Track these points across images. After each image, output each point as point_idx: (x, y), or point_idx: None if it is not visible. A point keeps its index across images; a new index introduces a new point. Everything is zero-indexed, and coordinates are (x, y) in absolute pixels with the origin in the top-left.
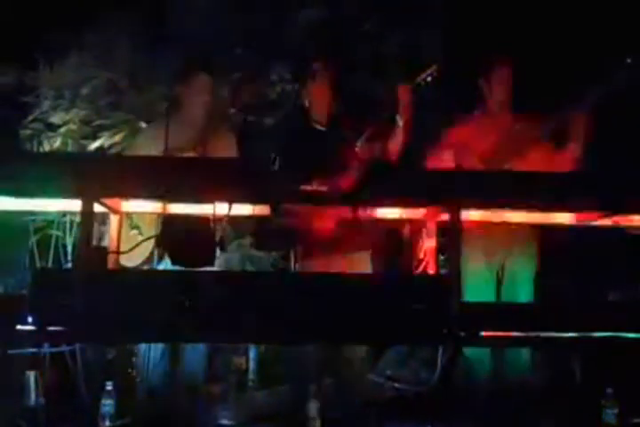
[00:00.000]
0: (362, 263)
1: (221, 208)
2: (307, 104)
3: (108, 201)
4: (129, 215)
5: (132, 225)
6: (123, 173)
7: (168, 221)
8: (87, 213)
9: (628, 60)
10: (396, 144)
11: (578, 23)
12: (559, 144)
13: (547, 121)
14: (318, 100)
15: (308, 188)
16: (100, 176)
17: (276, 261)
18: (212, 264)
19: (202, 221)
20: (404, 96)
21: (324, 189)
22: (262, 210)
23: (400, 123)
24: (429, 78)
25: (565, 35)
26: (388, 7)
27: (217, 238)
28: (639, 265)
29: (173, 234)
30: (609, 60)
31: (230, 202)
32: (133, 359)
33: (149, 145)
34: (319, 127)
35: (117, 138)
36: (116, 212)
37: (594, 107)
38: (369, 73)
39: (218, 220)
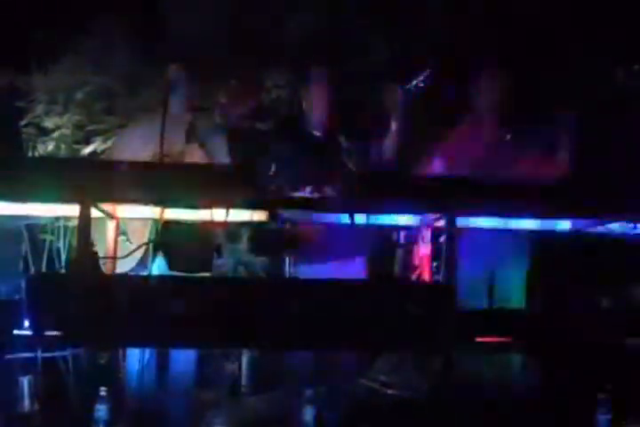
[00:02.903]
0: (356, 269)
1: (218, 213)
2: (304, 110)
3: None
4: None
5: (120, 231)
6: (120, 179)
7: (166, 226)
8: (84, 219)
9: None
10: (389, 146)
11: (569, 33)
12: (547, 154)
13: (535, 131)
14: (316, 106)
15: (306, 194)
16: (97, 181)
17: (270, 267)
18: (209, 269)
19: (199, 226)
20: (395, 98)
21: (320, 195)
22: (260, 216)
23: (393, 125)
24: (422, 84)
25: (556, 45)
26: (382, 11)
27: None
28: (632, 272)
29: (172, 240)
30: (597, 70)
31: (228, 208)
32: (123, 365)
33: (135, 147)
34: (316, 133)
35: (110, 143)
36: (112, 217)
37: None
38: (363, 78)
39: (215, 225)
